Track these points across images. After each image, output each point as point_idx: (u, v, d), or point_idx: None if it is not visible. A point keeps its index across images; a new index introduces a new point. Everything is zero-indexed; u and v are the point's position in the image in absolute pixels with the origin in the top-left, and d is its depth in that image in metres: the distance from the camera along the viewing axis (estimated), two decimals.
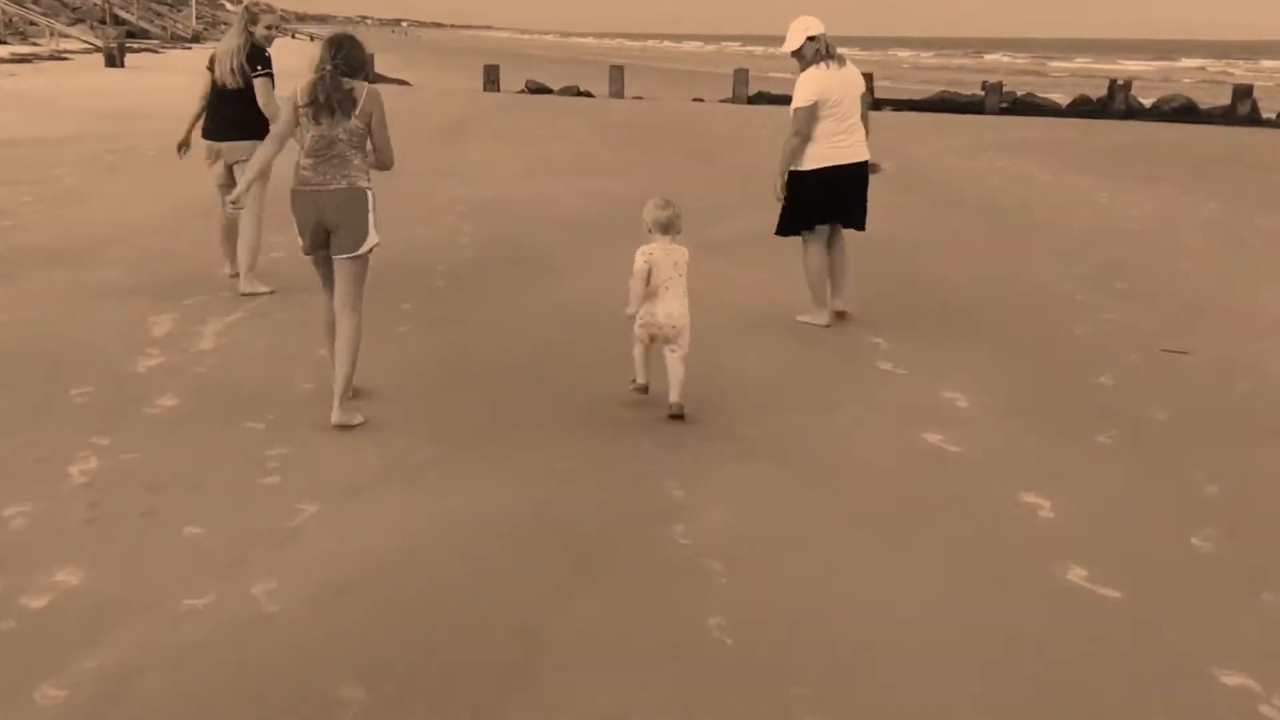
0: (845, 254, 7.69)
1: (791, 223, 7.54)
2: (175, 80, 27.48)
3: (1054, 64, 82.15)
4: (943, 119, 27.47)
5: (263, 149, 5.63)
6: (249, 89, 7.66)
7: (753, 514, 4.65)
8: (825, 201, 7.43)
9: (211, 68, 7.85)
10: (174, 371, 6.13)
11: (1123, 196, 14.52)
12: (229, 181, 7.69)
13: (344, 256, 5.42)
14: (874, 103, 31.29)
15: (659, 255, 5.63)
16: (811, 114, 7.21)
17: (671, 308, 5.64)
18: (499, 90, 32.09)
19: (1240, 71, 68.33)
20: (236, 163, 7.65)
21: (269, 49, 7.98)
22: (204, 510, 4.44)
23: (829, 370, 6.68)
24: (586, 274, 8.73)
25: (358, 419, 5.46)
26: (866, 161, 7.52)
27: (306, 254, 5.57)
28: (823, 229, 7.50)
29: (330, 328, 5.61)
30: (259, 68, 7.69)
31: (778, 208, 7.58)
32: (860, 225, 7.65)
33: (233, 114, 7.73)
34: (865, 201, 7.58)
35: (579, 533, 4.41)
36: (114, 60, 33.82)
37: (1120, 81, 31.63)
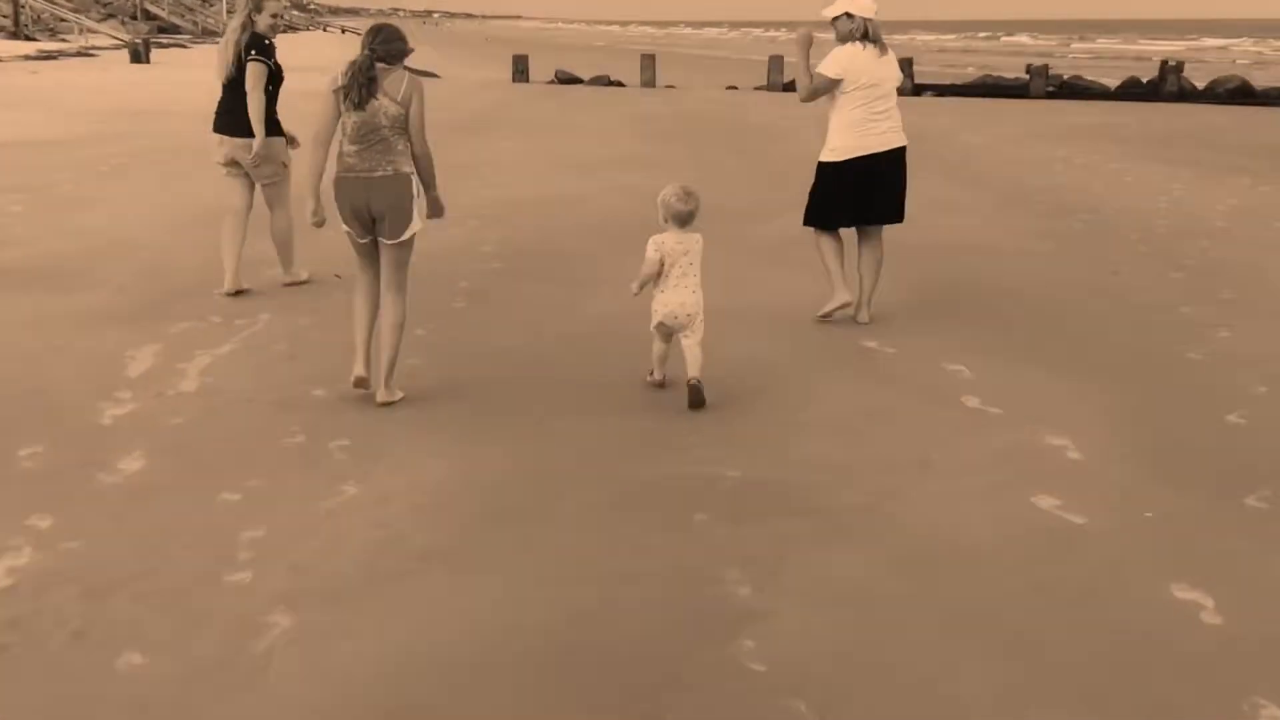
0: (877, 255, 7.14)
1: (816, 214, 7.12)
2: (198, 75, 26.71)
3: (1077, 45, 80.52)
4: (988, 104, 26.31)
5: (312, 158, 5.46)
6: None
7: (840, 622, 3.68)
8: (853, 199, 6.97)
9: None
10: (145, 423, 5.24)
11: (1199, 188, 13.39)
12: (240, 172, 7.51)
13: (391, 242, 5.47)
14: (914, 88, 30.60)
15: (671, 244, 5.54)
16: (830, 85, 6.82)
17: (685, 297, 5.57)
18: (528, 80, 31.18)
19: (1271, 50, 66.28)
20: (238, 161, 7.41)
21: (272, 38, 7.42)
22: (148, 630, 3.52)
23: (910, 410, 5.69)
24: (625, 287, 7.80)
25: (398, 395, 5.61)
26: (904, 149, 7.01)
27: (361, 239, 5.53)
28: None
29: (366, 309, 5.64)
30: (253, 52, 7.22)
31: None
32: (897, 217, 7.13)
33: (231, 107, 7.35)
34: (902, 191, 7.07)
35: (623, 656, 3.45)
36: (139, 56, 33.20)
37: (1171, 63, 30.28)
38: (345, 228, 5.54)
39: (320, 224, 5.55)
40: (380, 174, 5.35)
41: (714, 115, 21.98)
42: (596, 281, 8.08)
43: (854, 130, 6.82)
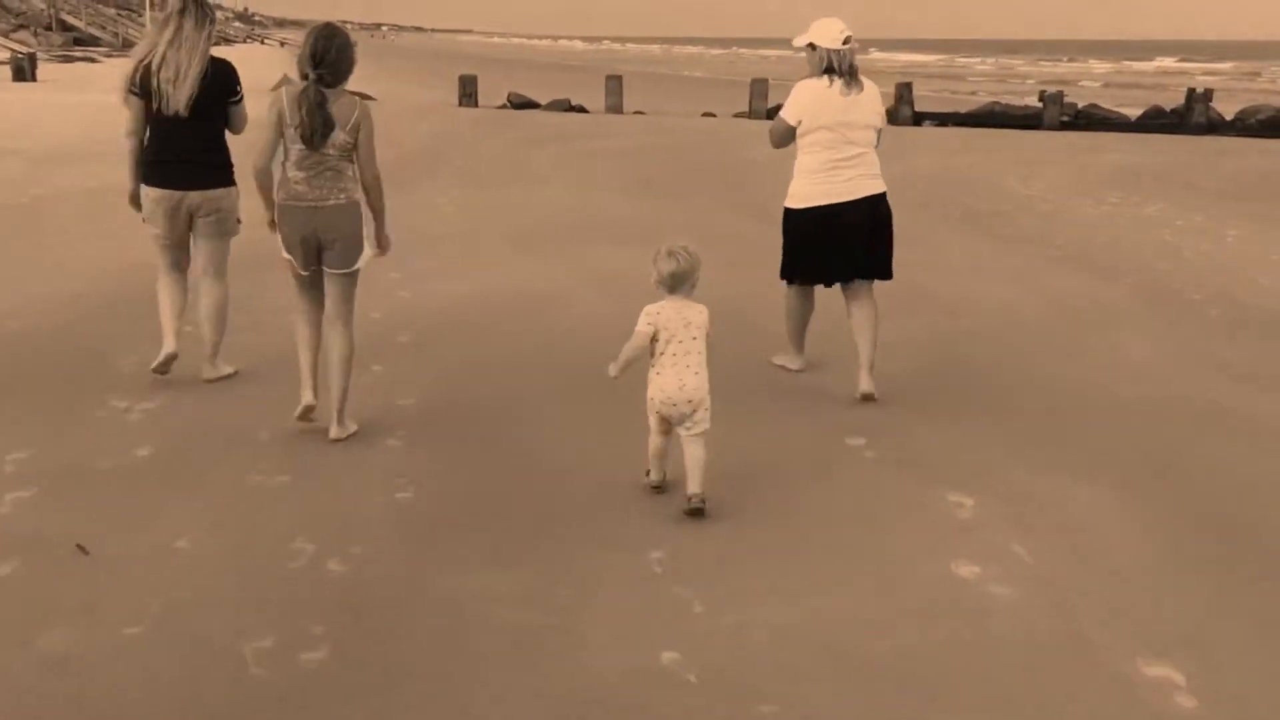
0: (868, 313, 6.36)
1: (789, 268, 6.53)
2: (81, 99, 22.80)
3: (1047, 66, 78.35)
4: (1000, 137, 23.00)
5: (260, 181, 5.29)
6: (215, 117, 6.11)
7: None
8: (818, 252, 6.34)
9: (137, 88, 5.98)
10: None
11: None
12: (180, 241, 6.22)
13: (339, 272, 5.35)
14: (914, 117, 27.33)
15: (668, 315, 4.67)
16: (785, 132, 6.29)
17: (685, 378, 4.65)
18: (476, 105, 27.46)
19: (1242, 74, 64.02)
20: (206, 215, 6.14)
21: None
22: None
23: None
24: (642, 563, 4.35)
25: (352, 427, 5.45)
26: (880, 196, 6.31)
27: (304, 270, 5.37)
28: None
29: (310, 333, 5.50)
30: (237, 89, 6.17)
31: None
32: (881, 273, 6.43)
33: (197, 148, 6.06)
34: (885, 244, 6.40)
35: None
36: (24, 73, 29.04)
37: (1200, 90, 27.19)
38: (286, 256, 5.38)
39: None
40: (332, 202, 5.25)
41: (700, 151, 18.38)
42: (587, 543, 4.48)
43: (814, 176, 6.23)
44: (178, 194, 6.03)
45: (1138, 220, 12.73)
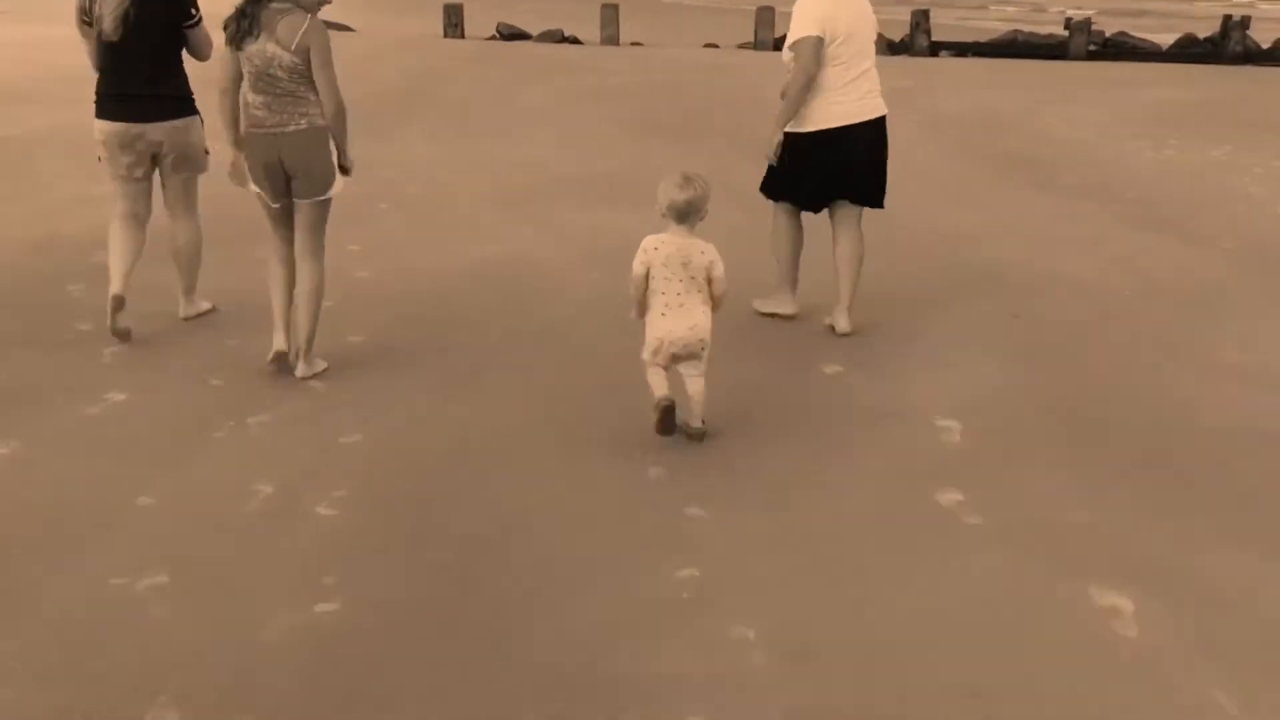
0: (855, 245, 5.96)
1: (777, 185, 6.00)
2: (50, 32, 21.06)
3: None
4: (1026, 69, 21.28)
5: (222, 108, 5.10)
6: (167, 41, 5.63)
7: None
8: (823, 176, 5.85)
9: (88, 15, 5.55)
10: None
11: None
12: (139, 186, 5.77)
13: (309, 201, 5.10)
14: (930, 47, 25.59)
15: (667, 253, 4.49)
16: (817, 48, 5.64)
17: (695, 318, 4.56)
18: (463, 36, 25.63)
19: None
20: (168, 151, 5.73)
21: None
22: None
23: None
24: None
25: (320, 365, 5.30)
26: (883, 118, 5.89)
27: (272, 201, 5.12)
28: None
29: (283, 277, 5.25)
30: (191, 11, 5.66)
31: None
32: (876, 201, 5.99)
33: (152, 78, 5.60)
34: (884, 169, 5.97)
35: None
36: None
37: (1236, 18, 25.39)
38: (255, 189, 5.14)
39: (244, 182, 5.15)
40: (293, 128, 4.97)
41: (705, 88, 16.67)
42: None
43: (828, 94, 5.71)
44: (132, 128, 5.62)
45: (1209, 166, 11.20)
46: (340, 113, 5.03)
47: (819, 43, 5.65)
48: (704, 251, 4.53)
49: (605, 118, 13.53)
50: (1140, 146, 12.29)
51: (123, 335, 5.67)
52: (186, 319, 6.11)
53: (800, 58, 5.71)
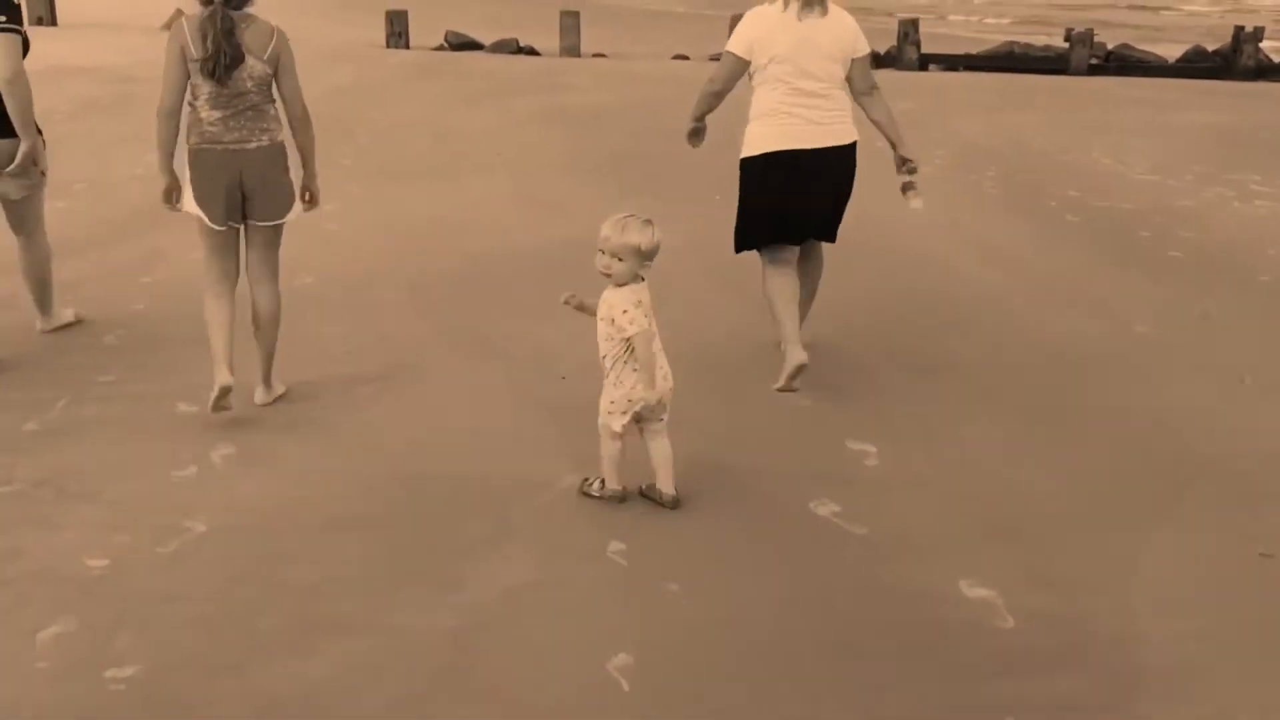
0: (812, 273, 5.69)
1: (741, 236, 5.63)
2: None
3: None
4: (1029, 85, 19.19)
5: (163, 133, 4.69)
6: None
7: None
8: (775, 208, 5.46)
9: None
10: None
11: None
12: None
13: (265, 224, 4.88)
14: (920, 60, 23.48)
15: (645, 304, 4.03)
16: (732, 67, 5.38)
17: (663, 363, 4.12)
18: (408, 46, 23.18)
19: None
20: None
21: None
22: None
23: None
24: None
25: (280, 389, 5.10)
26: (843, 148, 5.40)
27: (218, 225, 4.78)
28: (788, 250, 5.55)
29: (224, 310, 4.89)
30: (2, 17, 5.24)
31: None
32: (826, 235, 5.63)
33: None
34: (839, 208, 5.56)
35: None
36: None
37: (1248, 29, 23.44)
38: (197, 211, 4.78)
39: (178, 207, 4.83)
40: (255, 145, 4.75)
41: (678, 109, 14.18)
42: None
43: (767, 120, 5.36)
44: None
45: None
46: (307, 121, 4.88)
47: (737, 62, 5.38)
48: (646, 287, 4.07)
49: (563, 151, 11.18)
50: (1222, 193, 10.13)
51: None
52: (45, 333, 5.91)
53: (717, 68, 5.50)
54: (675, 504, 4.20)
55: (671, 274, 6.30)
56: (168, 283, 6.85)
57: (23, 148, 5.37)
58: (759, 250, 5.60)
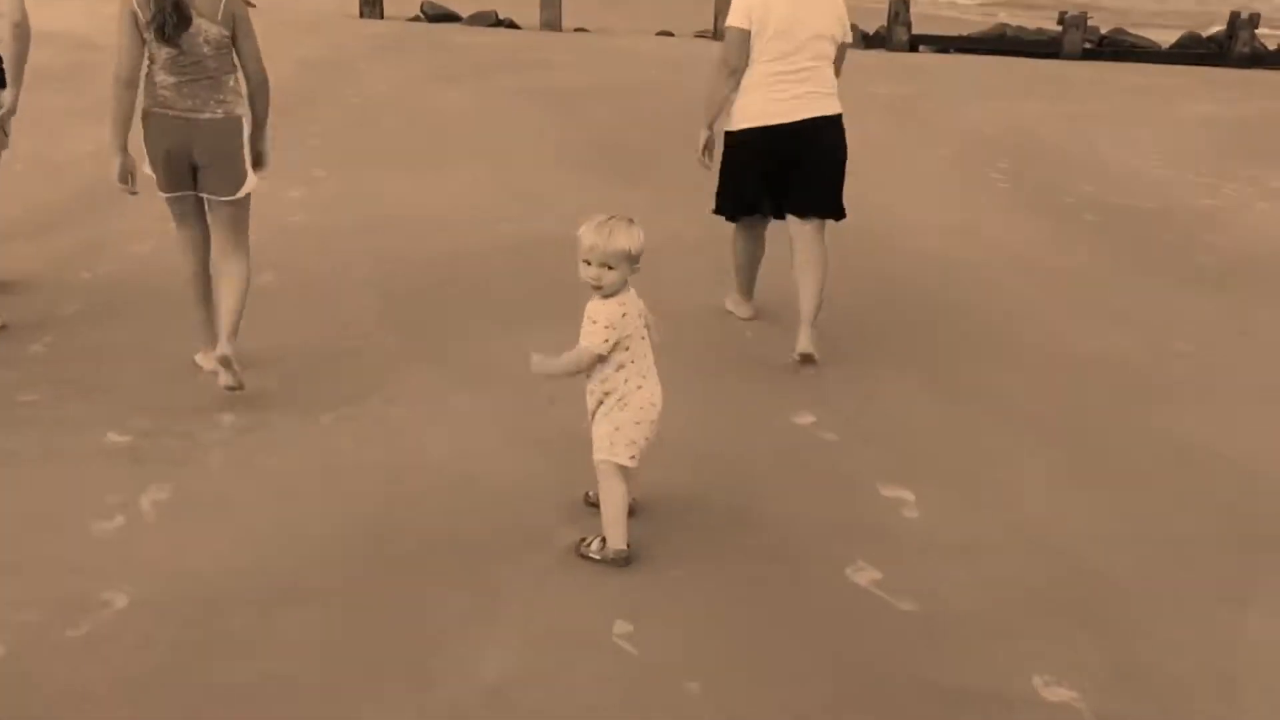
0: (813, 258, 5.42)
1: (722, 200, 5.68)
2: None
3: None
4: (1024, 69, 18.66)
5: (118, 102, 4.45)
6: None
7: None
8: (760, 179, 5.46)
9: None
10: None
11: None
12: None
13: (221, 200, 4.64)
14: (910, 41, 22.86)
15: (632, 316, 3.51)
16: (739, 40, 5.31)
17: (657, 391, 3.61)
18: (382, 15, 22.36)
19: None
20: None
21: None
22: None
23: None
24: None
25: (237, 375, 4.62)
26: (833, 119, 5.40)
27: (166, 192, 4.66)
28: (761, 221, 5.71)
29: (199, 272, 4.84)
30: None
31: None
32: (830, 210, 5.48)
33: None
34: (835, 176, 5.47)
35: None
36: None
37: (1244, 16, 22.93)
38: (148, 172, 4.60)
39: (133, 189, 4.60)
40: (207, 116, 4.52)
41: (665, 92, 13.45)
42: None
43: (755, 93, 5.33)
44: None
45: None
46: (266, 83, 4.66)
47: (743, 35, 5.32)
48: (636, 296, 3.58)
49: (546, 138, 10.48)
50: (1244, 193, 9.56)
51: None
52: None
53: (722, 49, 5.42)
54: (626, 561, 3.60)
55: (664, 275, 5.70)
56: (109, 279, 6.16)
57: (9, 96, 5.27)
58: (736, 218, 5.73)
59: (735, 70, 5.35)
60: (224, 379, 4.54)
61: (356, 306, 5.86)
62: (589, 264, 3.44)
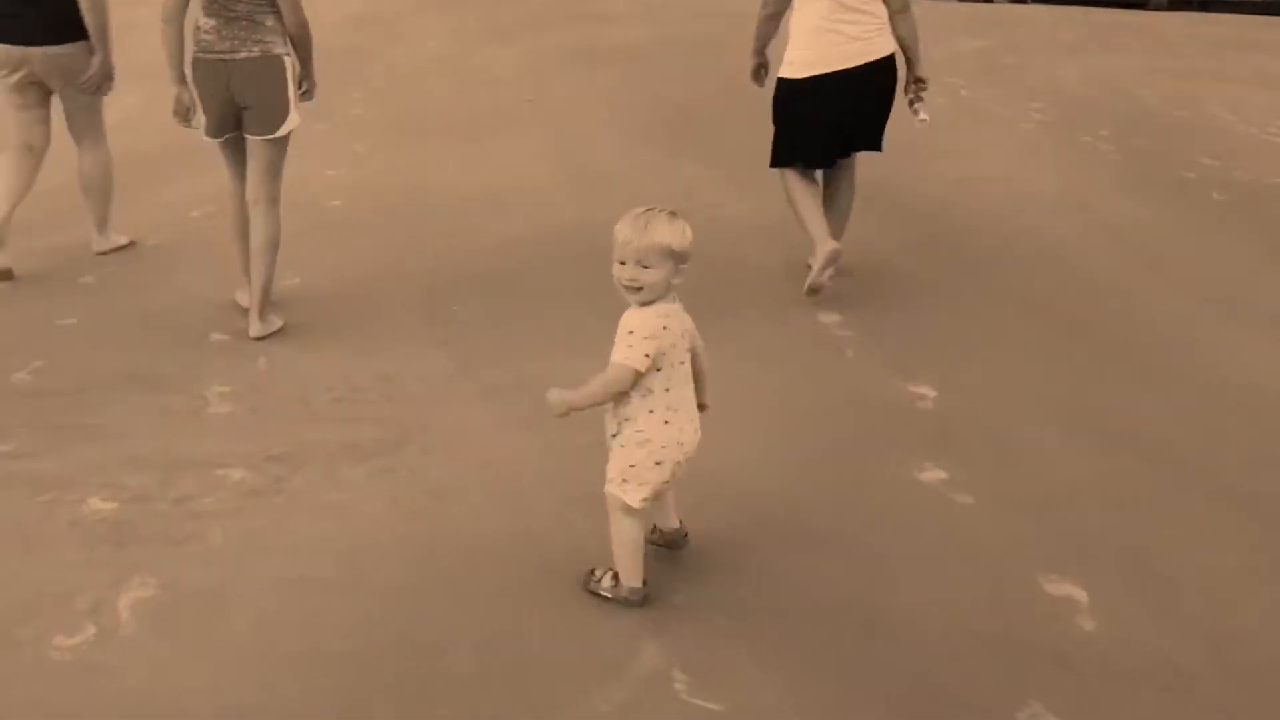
0: (845, 185, 5.51)
1: (779, 151, 5.41)
2: None
3: None
4: (1107, 21, 17.34)
5: (167, 40, 4.59)
6: None
7: None
8: (820, 128, 5.27)
9: None
10: None
11: None
12: (33, 103, 5.48)
13: (259, 139, 4.67)
14: None
15: (675, 330, 3.00)
16: None
17: (694, 417, 3.11)
18: None
19: None
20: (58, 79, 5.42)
21: None
22: None
23: None
24: None
25: (276, 324, 4.85)
26: (889, 60, 5.22)
27: (210, 136, 4.75)
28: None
29: (241, 223, 4.88)
30: None
31: None
32: (872, 144, 5.45)
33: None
34: (883, 116, 5.38)
35: None
36: None
37: None
38: (197, 126, 4.73)
39: (191, 123, 4.70)
40: (244, 55, 4.55)
41: (745, 49, 12.61)
42: None
43: (809, 37, 5.18)
44: (13, 50, 5.27)
45: None
46: (304, 26, 4.62)
47: None
48: (683, 311, 3.05)
49: (613, 103, 9.61)
50: None
51: (4, 275, 5.36)
52: (101, 254, 5.78)
53: None
54: (683, 541, 3.35)
55: (736, 267, 4.88)
56: (116, 282, 5.42)
57: (98, 59, 5.40)
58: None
59: (773, 15, 5.36)
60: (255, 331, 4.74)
61: (395, 318, 5.09)
62: (623, 263, 2.95)
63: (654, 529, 3.36)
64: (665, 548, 3.37)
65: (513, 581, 3.21)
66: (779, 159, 5.45)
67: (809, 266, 5.29)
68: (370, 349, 4.72)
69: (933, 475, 3.88)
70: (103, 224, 5.82)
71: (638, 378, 2.95)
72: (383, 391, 4.35)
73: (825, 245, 5.17)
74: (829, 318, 5.21)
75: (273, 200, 4.77)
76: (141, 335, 4.84)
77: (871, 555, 3.41)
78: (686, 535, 3.39)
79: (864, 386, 4.54)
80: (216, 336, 4.84)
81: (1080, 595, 3.26)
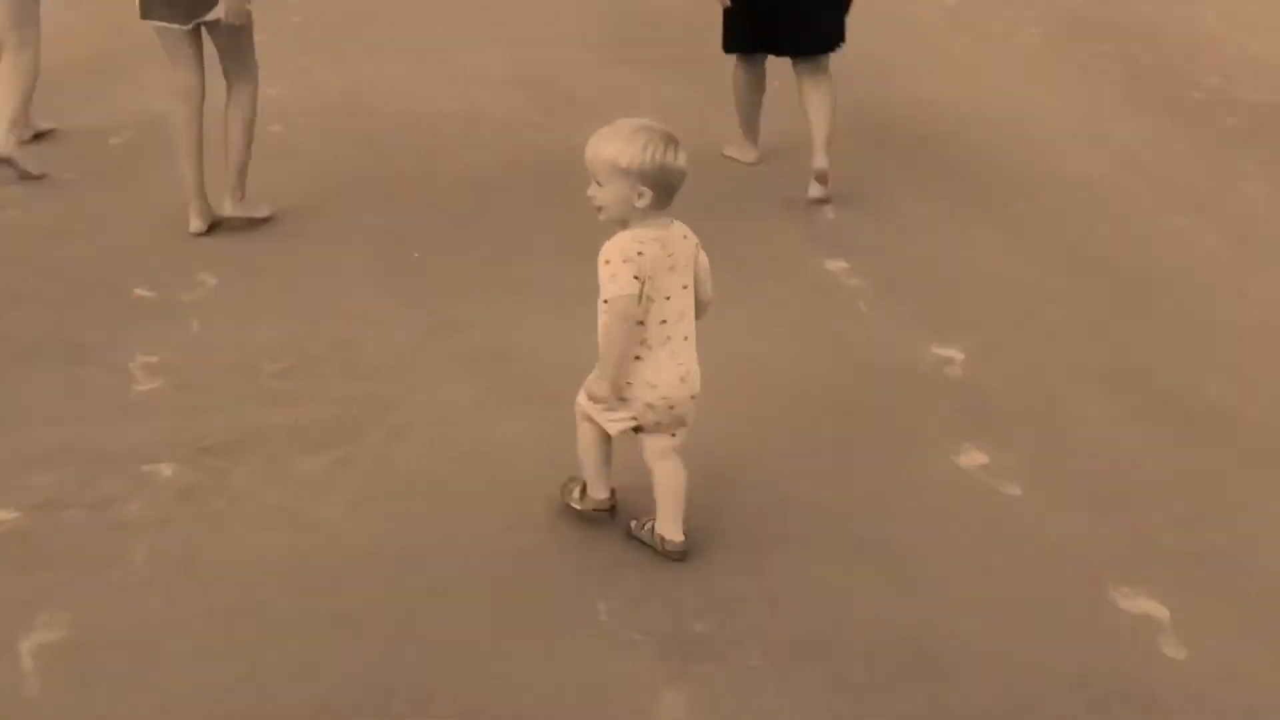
0: (821, 88, 5.29)
1: (728, 36, 5.44)
2: None
3: None
4: None
5: None
6: None
7: None
8: (754, 15, 5.24)
9: None
10: None
11: None
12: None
13: (224, 23, 4.48)
14: None
15: (653, 256, 2.68)
16: None
17: (686, 361, 2.79)
18: None
19: None
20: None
21: None
22: None
23: None
24: None
25: (265, 210, 4.81)
26: None
27: (156, 19, 4.46)
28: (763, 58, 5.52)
29: (193, 129, 4.61)
30: None
31: None
32: (825, 45, 5.28)
33: None
34: (834, 8, 5.23)
35: None
36: None
37: None
38: (156, 21, 4.45)
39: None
40: None
41: None
42: None
43: None
44: None
45: None
46: None
47: None
48: (686, 238, 2.76)
49: (580, 13, 8.89)
50: None
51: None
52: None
53: None
54: (682, 555, 2.89)
55: (725, 203, 4.37)
56: (19, 225, 4.77)
57: None
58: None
59: None
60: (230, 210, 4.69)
61: (351, 268, 4.50)
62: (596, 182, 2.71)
63: (643, 525, 2.95)
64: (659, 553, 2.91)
65: (504, 610, 2.70)
66: (726, 43, 5.50)
67: (809, 201, 5.15)
68: (324, 309, 4.13)
69: (972, 460, 3.40)
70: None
71: (634, 305, 2.65)
72: (340, 361, 3.78)
73: (749, 154, 5.68)
74: (836, 264, 4.68)
75: (249, 75, 4.72)
76: (48, 291, 4.21)
77: (913, 566, 2.94)
78: (685, 553, 2.92)
79: (884, 350, 4.03)
80: (141, 292, 4.22)
81: (1160, 612, 2.80)
